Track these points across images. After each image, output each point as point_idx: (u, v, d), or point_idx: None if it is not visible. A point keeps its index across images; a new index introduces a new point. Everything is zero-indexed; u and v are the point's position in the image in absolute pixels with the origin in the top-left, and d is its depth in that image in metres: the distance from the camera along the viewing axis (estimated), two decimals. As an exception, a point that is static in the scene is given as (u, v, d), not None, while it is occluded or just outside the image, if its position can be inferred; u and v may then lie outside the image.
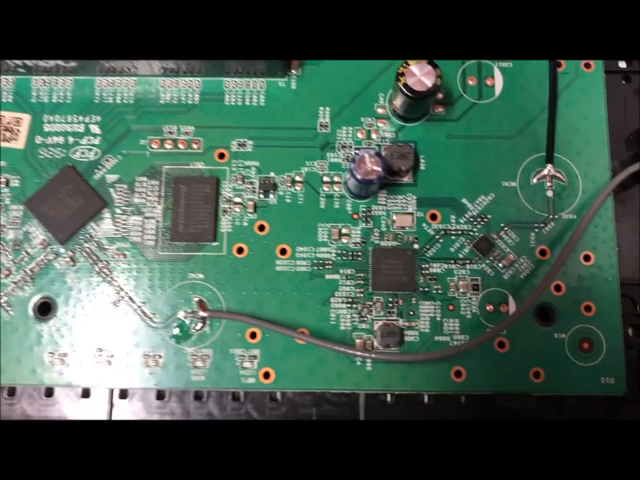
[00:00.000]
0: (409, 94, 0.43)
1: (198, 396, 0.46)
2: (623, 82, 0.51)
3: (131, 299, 0.45)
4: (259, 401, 0.46)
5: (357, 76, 0.48)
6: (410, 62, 0.43)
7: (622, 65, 0.51)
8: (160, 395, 0.46)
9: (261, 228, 0.46)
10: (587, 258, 0.46)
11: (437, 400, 0.45)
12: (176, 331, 0.45)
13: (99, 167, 0.47)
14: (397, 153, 0.46)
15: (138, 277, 0.45)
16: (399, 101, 0.45)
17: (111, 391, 0.46)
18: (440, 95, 0.48)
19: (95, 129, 0.48)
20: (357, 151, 0.43)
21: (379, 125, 0.48)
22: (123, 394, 0.46)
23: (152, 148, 0.47)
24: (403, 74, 0.43)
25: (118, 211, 0.46)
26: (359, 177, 0.43)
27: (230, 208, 0.46)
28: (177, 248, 0.46)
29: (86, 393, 0.46)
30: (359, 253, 0.46)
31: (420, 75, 0.43)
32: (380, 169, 0.43)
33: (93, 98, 0.48)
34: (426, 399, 0.46)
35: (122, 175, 0.47)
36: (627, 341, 0.45)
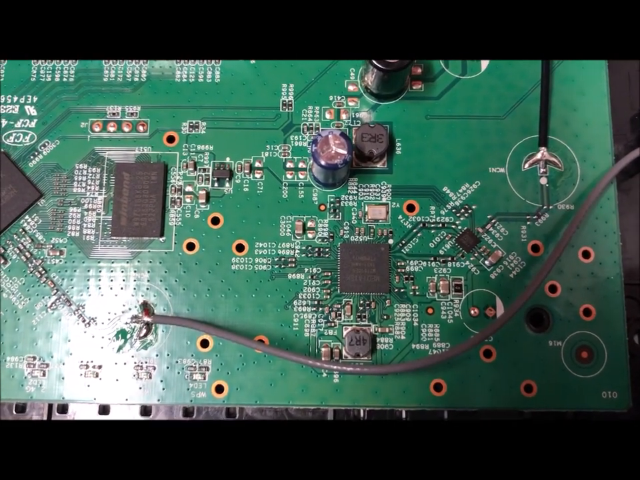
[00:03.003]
0: (379, 66, 0.38)
1: (146, 411, 0.41)
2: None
3: (67, 301, 0.40)
4: (213, 417, 0.41)
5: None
6: (381, 29, 0.38)
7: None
8: (104, 410, 0.41)
9: (215, 221, 0.41)
10: (586, 254, 0.40)
11: (414, 417, 0.40)
12: (117, 339, 0.39)
13: (35, 152, 0.42)
14: (368, 134, 0.40)
15: (76, 277, 0.40)
16: (370, 76, 0.40)
17: (50, 406, 0.41)
18: (418, 70, 0.42)
19: (31, 110, 0.42)
20: (319, 132, 0.38)
21: (350, 103, 0.42)
22: (63, 408, 0.41)
23: (93, 131, 0.42)
24: (373, 43, 0.38)
25: (55, 201, 0.41)
26: (322, 161, 0.37)
27: (179, 198, 0.41)
28: (120, 244, 0.40)
29: (21, 408, 0.41)
30: (326, 250, 0.40)
31: (392, 44, 0.38)
32: (345, 152, 0.37)
33: (29, 76, 0.43)
34: (403, 414, 0.40)
35: (60, 161, 0.42)
36: (631, 349, 0.39)
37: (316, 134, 0.38)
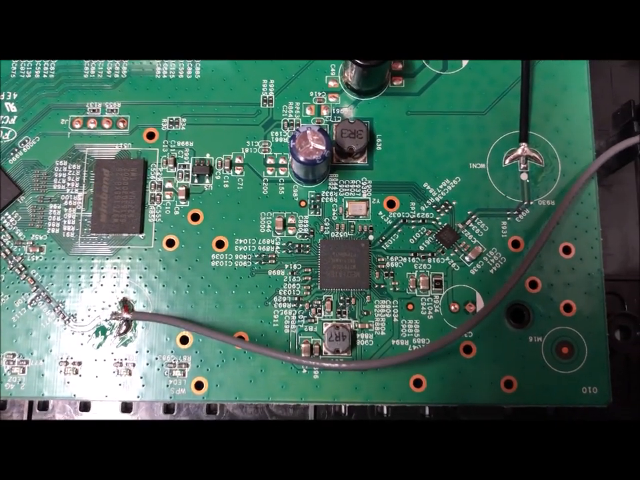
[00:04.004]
0: (358, 62, 0.37)
1: (126, 408, 0.41)
2: (611, 57, 0.45)
3: (47, 298, 0.40)
4: (194, 414, 0.41)
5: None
6: (360, 24, 0.38)
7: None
8: (85, 407, 0.41)
9: (195, 217, 0.41)
10: (566, 250, 0.40)
11: (395, 412, 0.40)
12: (97, 335, 0.39)
13: (15, 149, 0.42)
14: (348, 130, 0.40)
15: (56, 274, 0.40)
16: (350, 72, 0.39)
17: (30, 404, 0.41)
18: (399, 66, 0.42)
19: (11, 107, 0.42)
20: (297, 127, 0.38)
21: (330, 99, 0.42)
22: (44, 405, 0.41)
23: (73, 128, 0.42)
24: (351, 38, 0.38)
25: (35, 198, 0.41)
26: (300, 157, 0.37)
27: (159, 195, 0.41)
28: (100, 240, 0.40)
29: (1, 405, 0.41)
30: (307, 246, 0.40)
31: (371, 39, 0.38)
32: (324, 148, 0.37)
33: (8, 73, 0.43)
34: (384, 410, 0.40)
35: (40, 158, 0.42)
36: (612, 345, 0.39)
37: (294, 130, 0.38)
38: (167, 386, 0.38)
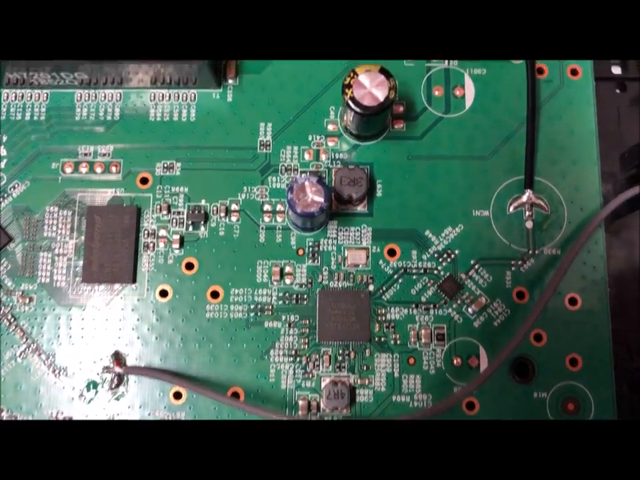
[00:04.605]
0: (357, 109, 0.36)
1: (119, 461, 0.39)
2: (617, 90, 0.43)
3: (37, 350, 0.38)
4: (188, 469, 0.39)
5: (303, 86, 0.41)
6: (358, 70, 0.37)
7: (615, 70, 0.44)
8: (76, 460, 0.39)
9: (189, 266, 0.39)
10: (572, 301, 0.39)
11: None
12: (88, 390, 0.38)
13: (4, 194, 0.40)
14: (347, 178, 0.39)
15: (46, 325, 0.39)
16: (349, 117, 0.38)
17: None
18: (400, 108, 0.41)
19: (0, 150, 0.41)
20: (295, 177, 0.36)
21: (329, 144, 0.41)
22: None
23: (64, 172, 0.41)
24: (349, 85, 0.36)
25: (25, 246, 0.40)
26: (297, 209, 0.36)
27: (152, 242, 0.39)
28: (92, 290, 0.39)
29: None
30: (305, 296, 0.39)
31: (370, 86, 0.36)
32: (322, 200, 0.36)
33: (-2, 114, 0.42)
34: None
35: (30, 204, 0.40)
36: (620, 401, 0.38)
37: (292, 180, 0.36)
38: (160, 443, 0.37)
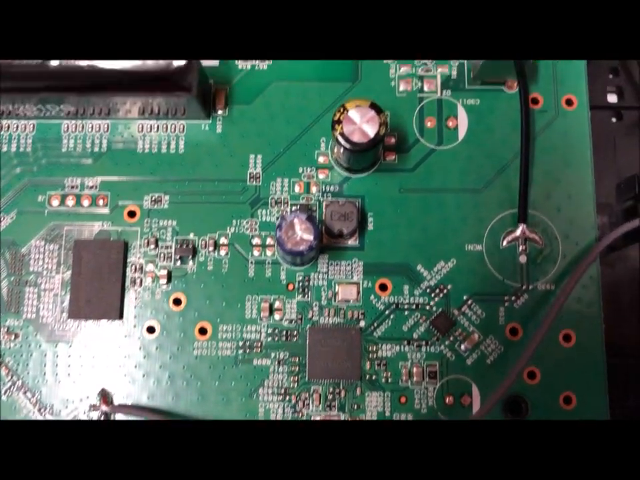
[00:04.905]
0: (346, 146, 0.36)
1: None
2: (613, 119, 0.43)
3: (23, 387, 0.38)
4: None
5: (294, 117, 0.41)
6: (348, 106, 0.36)
7: (611, 99, 0.43)
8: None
9: (177, 302, 0.39)
10: (567, 338, 0.38)
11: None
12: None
13: (-10, 227, 0.40)
14: (338, 212, 0.38)
15: (32, 362, 0.38)
16: (340, 150, 0.38)
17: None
18: (392, 140, 0.40)
19: (-15, 182, 0.40)
20: (284, 214, 0.36)
21: (320, 176, 0.40)
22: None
23: (51, 205, 0.40)
24: (339, 121, 0.36)
25: (10, 281, 0.39)
26: (286, 247, 0.35)
27: (140, 278, 0.39)
28: (78, 327, 0.38)
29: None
30: (294, 333, 0.38)
31: (360, 122, 0.36)
32: (311, 238, 0.35)
33: (-18, 145, 0.41)
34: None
35: (16, 237, 0.40)
36: (615, 441, 0.37)
37: (281, 216, 0.36)
38: (148, 483, 0.37)
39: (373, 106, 0.36)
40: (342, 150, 0.37)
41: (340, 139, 0.35)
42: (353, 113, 0.36)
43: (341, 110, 0.36)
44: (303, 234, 0.35)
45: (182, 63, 0.37)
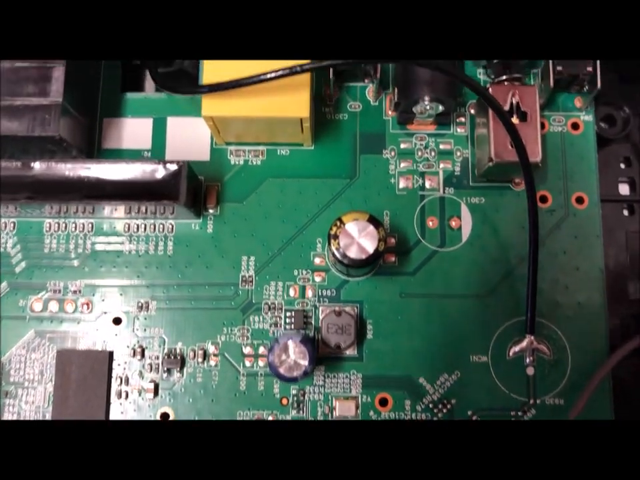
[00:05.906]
0: (343, 261, 0.33)
1: None
2: (625, 213, 0.41)
3: (2, 507, 0.36)
4: None
5: (289, 216, 0.39)
6: (345, 219, 0.34)
7: (623, 190, 0.41)
8: None
9: (164, 417, 0.37)
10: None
11: None
12: None
13: (-32, 334, 0.38)
14: (335, 325, 0.36)
15: (12, 479, 0.36)
16: (335, 261, 0.35)
17: None
18: (392, 240, 0.38)
19: (-36, 283, 0.38)
20: (278, 336, 0.34)
21: (316, 279, 0.38)
22: None
23: (33, 311, 0.38)
24: (336, 236, 0.34)
25: (-11, 391, 0.37)
26: (279, 372, 0.33)
27: (125, 391, 0.37)
28: (60, 443, 0.36)
29: None
30: (289, 450, 0.36)
31: (358, 236, 0.34)
32: (306, 363, 0.33)
33: (-37, 244, 0.39)
34: None
35: (-5, 344, 0.38)
36: None
37: (273, 339, 0.34)
38: None
39: (371, 220, 0.34)
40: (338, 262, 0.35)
41: (337, 254, 0.33)
42: (351, 227, 0.34)
43: (338, 224, 0.34)
44: (297, 358, 0.33)
45: (169, 169, 0.35)
